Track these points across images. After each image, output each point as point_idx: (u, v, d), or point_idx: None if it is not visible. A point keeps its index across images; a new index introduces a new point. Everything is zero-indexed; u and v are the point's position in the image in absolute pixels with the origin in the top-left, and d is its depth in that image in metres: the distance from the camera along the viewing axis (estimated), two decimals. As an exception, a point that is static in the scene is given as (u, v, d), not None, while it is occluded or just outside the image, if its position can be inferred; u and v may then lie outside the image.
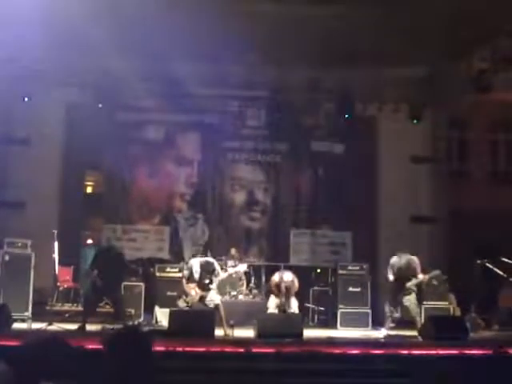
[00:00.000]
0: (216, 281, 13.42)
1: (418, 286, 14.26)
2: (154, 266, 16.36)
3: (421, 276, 13.89)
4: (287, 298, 14.35)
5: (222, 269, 14.33)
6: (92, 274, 13.57)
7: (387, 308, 13.94)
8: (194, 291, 13.11)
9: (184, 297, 13.26)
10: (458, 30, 14.10)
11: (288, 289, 14.41)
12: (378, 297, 16.07)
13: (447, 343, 11.94)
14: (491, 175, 21.04)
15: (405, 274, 13.86)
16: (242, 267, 13.93)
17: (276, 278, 14.63)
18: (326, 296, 16.63)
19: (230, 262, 15.97)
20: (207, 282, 13.19)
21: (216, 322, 12.57)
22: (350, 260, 17.65)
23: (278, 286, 14.48)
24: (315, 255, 18.45)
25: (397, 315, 14.03)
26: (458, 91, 17.00)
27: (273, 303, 14.34)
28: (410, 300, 13.72)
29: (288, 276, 14.68)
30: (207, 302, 13.14)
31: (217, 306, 13.03)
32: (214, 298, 13.22)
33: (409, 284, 13.71)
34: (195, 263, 13.49)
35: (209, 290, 13.19)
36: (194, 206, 18.67)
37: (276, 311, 14.21)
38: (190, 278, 13.29)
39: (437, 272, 14.45)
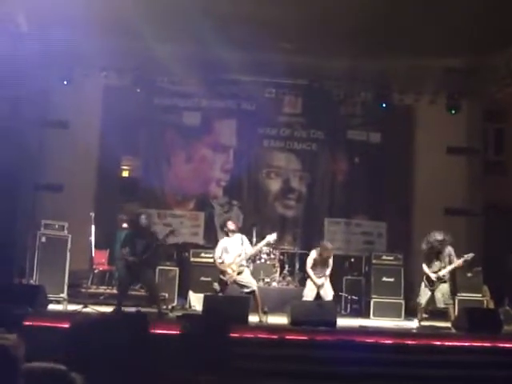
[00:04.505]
0: (246, 258, 13.34)
1: (452, 273, 14.07)
2: (189, 250, 16.44)
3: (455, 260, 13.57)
4: (324, 268, 14.09)
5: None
6: (124, 253, 13.32)
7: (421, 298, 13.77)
8: (230, 269, 12.99)
9: (222, 276, 13.14)
10: (496, 21, 14.02)
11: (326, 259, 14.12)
12: (412, 287, 16.05)
13: (480, 335, 11.93)
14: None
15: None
16: (272, 237, 13.67)
17: (314, 253, 14.30)
18: (359, 285, 16.59)
19: (264, 249, 15.96)
20: (239, 255, 13.09)
21: (250, 308, 12.59)
22: (384, 250, 17.66)
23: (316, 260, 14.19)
24: (349, 244, 18.44)
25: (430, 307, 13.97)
26: (496, 83, 16.90)
27: (309, 290, 14.10)
28: (442, 290, 13.54)
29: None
30: (243, 283, 13.03)
31: (253, 292, 12.98)
32: (250, 281, 13.17)
33: (443, 272, 13.52)
34: (224, 240, 13.44)
35: (243, 266, 13.12)
36: (230, 192, 18.74)
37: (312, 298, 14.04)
38: (223, 254, 13.20)
39: (471, 254, 13.93)
